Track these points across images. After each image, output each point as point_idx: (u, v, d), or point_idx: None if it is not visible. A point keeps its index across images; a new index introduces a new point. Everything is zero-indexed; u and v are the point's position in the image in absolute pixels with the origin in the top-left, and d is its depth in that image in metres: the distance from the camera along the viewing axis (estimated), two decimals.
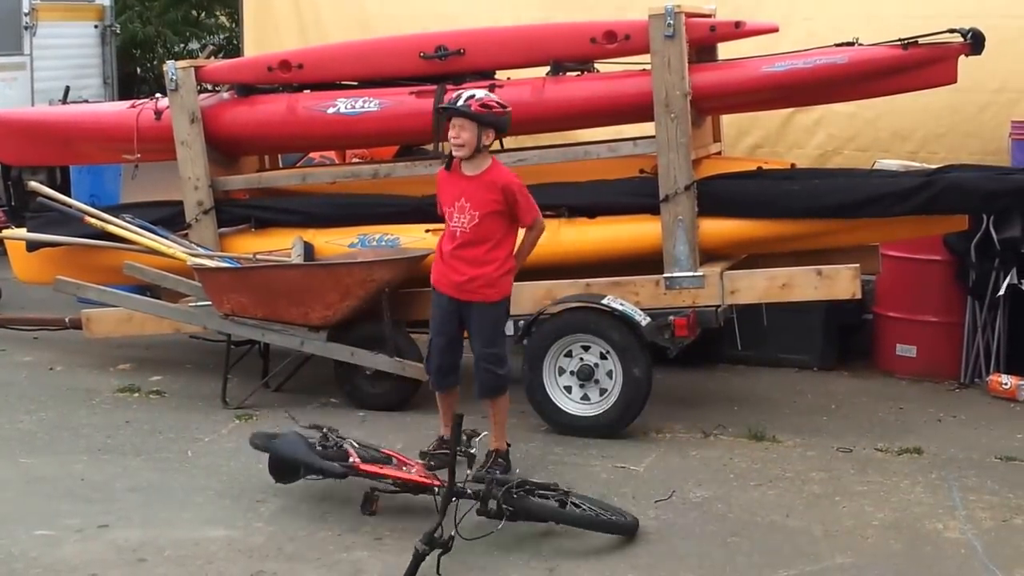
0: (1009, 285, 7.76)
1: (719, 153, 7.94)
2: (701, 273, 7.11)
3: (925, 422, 7.29)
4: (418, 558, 5.11)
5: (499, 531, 5.43)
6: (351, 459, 5.87)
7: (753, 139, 9.07)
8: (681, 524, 5.81)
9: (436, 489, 5.57)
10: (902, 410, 7.50)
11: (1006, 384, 7.67)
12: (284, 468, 5.92)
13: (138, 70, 16.20)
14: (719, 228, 7.19)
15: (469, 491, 5.52)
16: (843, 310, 8.12)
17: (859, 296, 7.00)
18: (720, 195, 7.17)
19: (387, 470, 5.87)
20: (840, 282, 6.95)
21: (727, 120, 8.61)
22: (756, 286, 7.09)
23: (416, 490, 5.73)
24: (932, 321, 8.04)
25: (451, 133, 6.24)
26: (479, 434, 5.90)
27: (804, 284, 7.01)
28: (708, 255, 7.27)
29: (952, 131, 8.60)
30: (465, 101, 6.20)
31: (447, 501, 5.35)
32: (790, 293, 7.05)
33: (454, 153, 6.29)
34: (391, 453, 6.05)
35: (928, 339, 8.08)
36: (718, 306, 7.10)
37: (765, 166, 7.56)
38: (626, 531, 5.64)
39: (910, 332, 8.11)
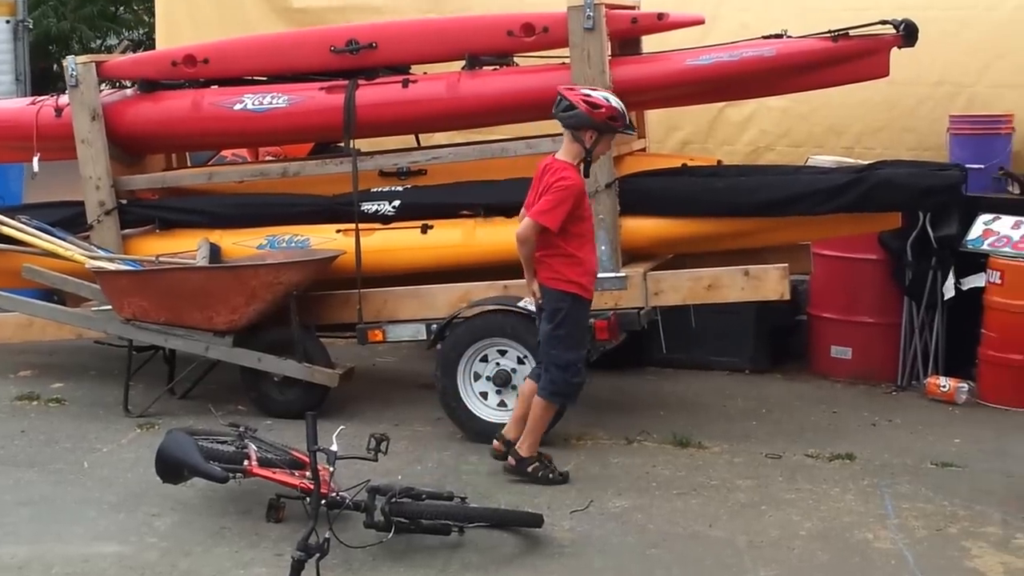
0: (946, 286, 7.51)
1: (643, 150, 7.64)
2: (623, 274, 6.79)
3: (859, 426, 6.98)
4: (296, 567, 4.78)
5: (406, 546, 5.17)
6: (248, 462, 5.54)
7: (682, 135, 8.78)
8: (598, 536, 5.47)
9: (313, 497, 5.22)
10: (836, 414, 7.19)
11: (944, 387, 7.39)
12: (168, 468, 5.61)
13: (54, 67, 15.69)
14: (642, 227, 6.88)
15: (348, 500, 5.22)
16: (776, 311, 7.82)
17: (787, 297, 6.69)
18: (643, 193, 6.85)
19: (278, 475, 5.51)
20: (768, 283, 6.65)
21: (656, 116, 8.34)
22: (681, 287, 6.78)
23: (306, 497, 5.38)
24: (868, 322, 7.75)
25: (610, 147, 6.22)
26: (387, 439, 5.51)
27: (731, 285, 6.70)
28: (631, 255, 6.96)
29: (889, 126, 8.34)
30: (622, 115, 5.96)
31: (317, 506, 5.08)
32: (716, 294, 6.74)
33: (595, 162, 6.10)
34: (300, 456, 5.66)
35: (864, 340, 7.79)
36: (641, 308, 6.77)
37: (690, 163, 7.25)
38: (532, 522, 5.38)
39: (845, 333, 7.81)
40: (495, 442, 6.23)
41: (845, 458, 6.40)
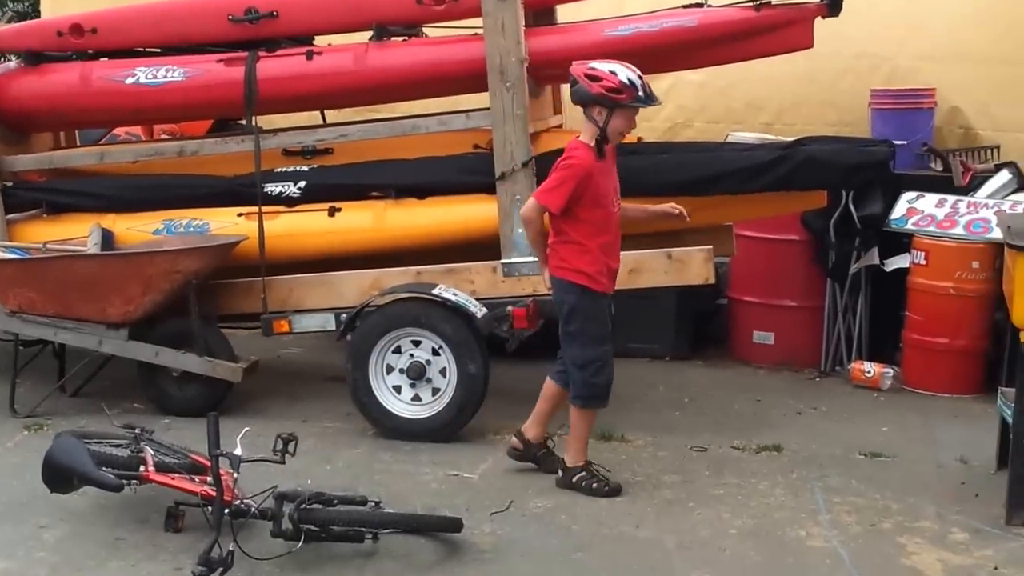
0: (868, 266, 7.31)
1: (560, 126, 7.32)
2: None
3: (784, 415, 6.77)
4: None
5: (316, 556, 4.85)
6: (144, 467, 5.17)
7: None
8: (520, 539, 5.18)
9: (215, 506, 4.87)
10: (760, 403, 6.97)
11: (869, 372, 7.21)
12: (56, 476, 5.18)
13: None
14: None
15: (254, 508, 4.89)
16: (697, 296, 7.57)
17: (712, 281, 6.43)
18: None
19: (177, 481, 5.15)
20: (692, 266, 6.39)
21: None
22: None
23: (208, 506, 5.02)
24: (790, 306, 7.55)
25: (630, 124, 5.59)
26: (295, 439, 5.16)
27: (653, 269, 6.44)
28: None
29: (809, 100, 8.12)
30: (648, 87, 5.47)
31: (219, 515, 4.76)
32: (638, 279, 6.46)
33: (615, 141, 5.60)
34: (202, 460, 5.29)
35: (786, 325, 7.58)
36: None
37: None
38: (450, 527, 5.09)
39: (767, 318, 7.60)
40: (513, 439, 5.90)
41: (772, 450, 6.18)
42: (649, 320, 7.63)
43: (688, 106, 8.34)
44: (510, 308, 6.33)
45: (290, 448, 5.11)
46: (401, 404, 6.36)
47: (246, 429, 5.23)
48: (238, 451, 4.97)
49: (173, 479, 5.19)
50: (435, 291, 6.29)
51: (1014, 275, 5.30)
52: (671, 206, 5.86)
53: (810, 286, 7.50)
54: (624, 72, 5.41)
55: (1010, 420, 5.43)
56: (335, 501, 4.99)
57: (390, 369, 6.36)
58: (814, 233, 7.44)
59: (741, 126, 8.08)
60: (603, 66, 5.45)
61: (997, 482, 5.63)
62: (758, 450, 6.18)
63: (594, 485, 5.60)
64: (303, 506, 4.88)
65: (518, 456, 5.88)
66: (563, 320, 5.59)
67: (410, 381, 6.33)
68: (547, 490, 5.67)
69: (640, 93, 5.42)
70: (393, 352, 6.35)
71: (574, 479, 5.62)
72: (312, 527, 4.88)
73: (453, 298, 6.25)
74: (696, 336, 7.90)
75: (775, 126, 8.11)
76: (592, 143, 5.49)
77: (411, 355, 6.33)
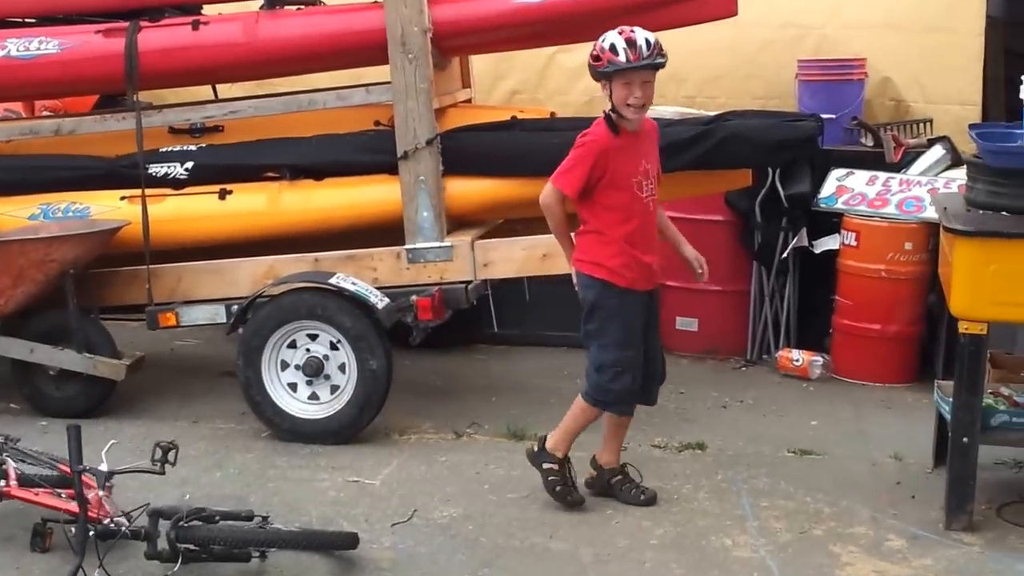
0: (797, 248, 6.93)
1: (469, 101, 6.84)
2: (449, 243, 6.04)
3: (709, 409, 6.37)
4: None
5: None
6: (6, 481, 4.71)
7: (511, 84, 8.03)
8: (423, 553, 4.75)
9: (78, 526, 4.41)
10: (683, 395, 6.55)
11: (797, 360, 6.83)
12: None
13: None
14: (468, 189, 6.12)
15: (125, 528, 4.43)
16: None
17: None
18: (468, 150, 6.09)
19: (41, 496, 4.67)
20: None
21: (481, 62, 7.55)
22: (513, 257, 6.05)
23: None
24: (714, 290, 7.09)
25: (633, 93, 4.88)
26: (176, 447, 4.67)
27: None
28: (457, 222, 6.20)
29: (732, 72, 7.71)
30: (652, 49, 4.85)
31: (83, 537, 4.35)
32: (554, 265, 6.00)
33: (630, 115, 4.93)
34: (66, 470, 4.78)
35: (710, 311, 7.17)
36: (469, 282, 6.04)
37: (521, 115, 6.48)
38: (345, 543, 4.64)
39: (690, 303, 7.16)
40: (589, 469, 5.30)
41: (696, 448, 5.79)
42: (567, 307, 7.08)
43: None
44: (414, 298, 5.87)
45: (170, 457, 4.66)
46: (297, 403, 5.88)
47: (112, 443, 4.76)
48: (103, 466, 4.50)
49: (37, 495, 4.72)
50: (332, 280, 5.81)
51: (952, 261, 4.93)
52: (696, 258, 5.32)
53: (735, 269, 7.10)
54: (610, 36, 4.89)
55: (948, 417, 5.08)
56: (217, 517, 4.53)
57: (285, 365, 5.88)
58: (739, 213, 7.05)
59: (662, 99, 7.52)
60: (601, 38, 4.94)
61: (934, 482, 5.28)
62: (681, 448, 5.78)
63: (557, 488, 5.10)
64: (181, 524, 4.42)
65: (592, 486, 5.26)
66: (583, 317, 5.08)
67: (307, 378, 5.86)
68: (453, 496, 5.24)
69: (620, 57, 4.82)
70: (288, 347, 5.87)
71: (544, 466, 5.14)
72: (191, 547, 4.43)
73: (352, 288, 5.78)
74: None
75: (697, 99, 7.69)
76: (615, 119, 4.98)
77: (307, 350, 5.86)
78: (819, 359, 6.80)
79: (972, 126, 5.57)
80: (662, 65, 4.93)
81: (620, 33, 4.89)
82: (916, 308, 6.70)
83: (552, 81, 8.01)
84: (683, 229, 7.02)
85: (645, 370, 5.13)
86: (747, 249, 7.06)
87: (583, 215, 5.02)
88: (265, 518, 4.57)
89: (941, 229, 5.11)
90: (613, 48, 4.86)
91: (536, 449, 5.19)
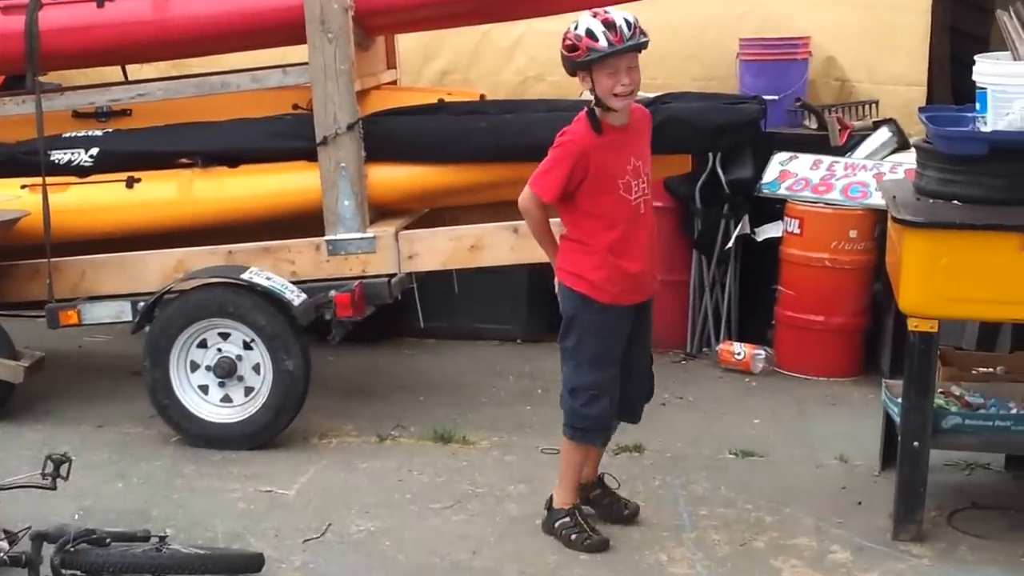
0: (739, 236, 6.64)
1: (394, 83, 6.50)
2: (371, 234, 5.70)
3: (647, 406, 6.02)
4: None
5: None
6: None
7: (441, 64, 7.66)
8: (335, 574, 4.41)
9: None
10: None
11: (739, 354, 6.54)
12: None
13: None
14: (392, 177, 5.78)
15: (3, 554, 4.08)
16: (552, 269, 6.80)
17: None
18: (392, 135, 5.74)
19: None
20: None
21: (409, 42, 7.19)
22: (439, 249, 5.72)
23: None
24: None
25: (620, 81, 4.40)
26: (69, 460, 4.30)
27: (498, 245, 5.69)
28: (380, 211, 5.85)
29: (672, 53, 7.33)
30: (634, 29, 4.38)
31: None
32: (481, 256, 5.71)
33: (618, 105, 4.45)
34: None
35: None
36: (393, 275, 5.70)
37: (448, 98, 6.15)
38: (249, 566, 4.29)
39: None
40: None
41: (633, 450, 5.48)
42: (498, 297, 6.88)
43: (540, 58, 7.52)
44: (333, 293, 5.52)
45: (63, 471, 4.29)
46: (209, 406, 5.53)
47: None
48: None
49: None
50: (245, 275, 5.45)
51: (901, 254, 4.64)
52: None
53: (674, 258, 6.77)
54: (584, 21, 4.40)
55: (896, 419, 4.81)
56: (108, 539, 4.16)
57: (195, 366, 5.52)
58: (678, 199, 6.74)
59: None
60: (573, 24, 4.45)
61: (882, 486, 5.01)
62: (617, 451, 5.46)
63: (573, 537, 4.58)
64: (67, 548, 4.04)
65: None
66: (560, 331, 4.63)
67: (218, 380, 5.50)
68: (372, 507, 4.90)
69: (601, 43, 4.32)
70: (198, 346, 5.52)
71: (556, 524, 4.64)
72: (78, 573, 4.06)
73: (266, 283, 5.42)
74: (552, 314, 7.11)
75: None
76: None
77: (219, 350, 5.50)
78: (761, 352, 6.51)
79: (922, 109, 5.31)
80: (646, 44, 4.46)
81: (595, 16, 4.38)
82: (861, 299, 6.43)
83: (484, 61, 7.65)
84: None
85: (632, 386, 4.72)
86: (687, 237, 6.76)
87: (565, 221, 4.57)
88: (163, 538, 4.19)
89: (889, 219, 4.82)
90: (591, 34, 4.34)
91: (546, 515, 4.71)
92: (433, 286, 6.56)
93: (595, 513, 4.76)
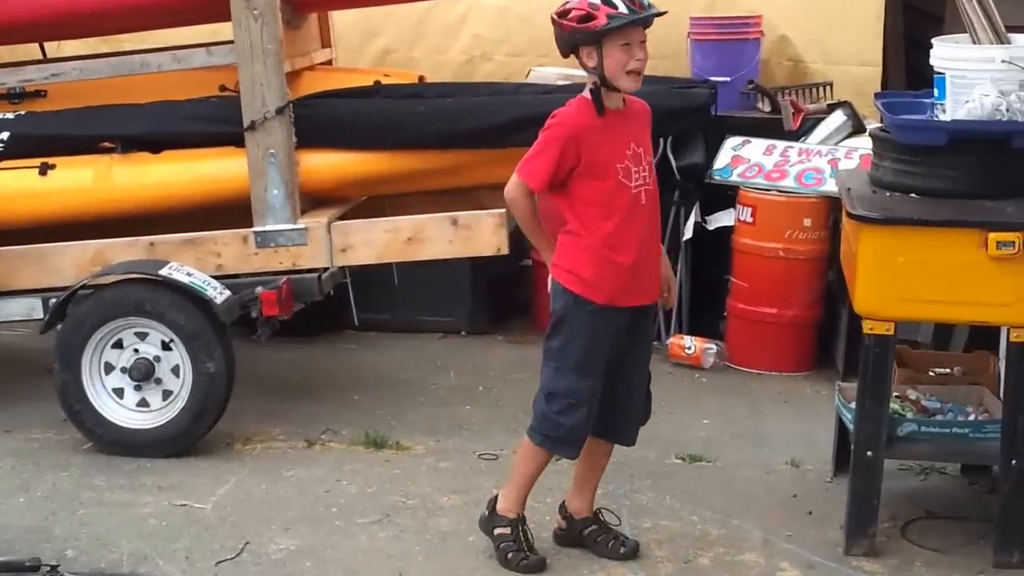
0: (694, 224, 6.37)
1: (329, 63, 6.17)
2: (302, 226, 5.38)
3: None
4: None
5: None
6: None
7: (383, 42, 7.33)
8: None
9: None
10: None
11: (690, 348, 6.27)
12: None
13: None
14: (325, 164, 5.47)
15: None
16: (497, 258, 6.41)
17: (506, 251, 5.40)
18: (325, 119, 5.43)
19: None
20: (481, 234, 5.36)
21: (349, 17, 6.88)
22: (375, 241, 5.41)
23: None
24: None
25: (635, 55, 4.08)
26: None
27: (436, 237, 5.38)
28: (313, 200, 5.54)
29: None
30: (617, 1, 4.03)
31: None
32: (419, 249, 5.40)
33: (630, 85, 4.13)
34: None
35: None
36: (325, 269, 5.40)
37: (385, 80, 5.85)
38: None
39: None
40: (557, 518, 4.50)
41: None
42: (441, 288, 6.56)
43: (487, 36, 7.24)
44: (259, 290, 5.21)
45: None
46: (124, 411, 5.21)
47: None
48: None
49: None
50: (163, 271, 5.13)
51: (856, 251, 4.38)
52: (665, 279, 4.38)
53: None
54: None
55: (849, 425, 4.56)
56: None
57: (110, 368, 5.21)
58: None
59: (547, 59, 6.96)
60: None
61: (834, 494, 4.76)
62: (557, 456, 5.17)
63: (510, 555, 4.26)
64: None
65: (561, 539, 4.48)
66: (548, 331, 4.24)
67: (135, 383, 5.19)
68: (295, 523, 4.60)
69: (621, 8, 4.00)
70: (113, 347, 5.20)
71: (495, 532, 4.33)
72: None
73: (186, 280, 5.10)
74: (497, 305, 6.86)
75: None
76: (589, 95, 4.14)
77: (135, 350, 5.19)
78: (712, 347, 6.25)
79: (878, 95, 5.02)
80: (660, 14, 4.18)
81: None
82: (815, 290, 6.17)
83: (429, 39, 7.33)
84: None
85: (628, 404, 4.35)
86: None
87: (559, 210, 4.19)
88: (54, 567, 3.89)
89: (844, 214, 4.56)
90: (604, 3, 4.01)
91: (487, 513, 4.38)
92: (373, 278, 6.26)
93: (562, 536, 4.47)
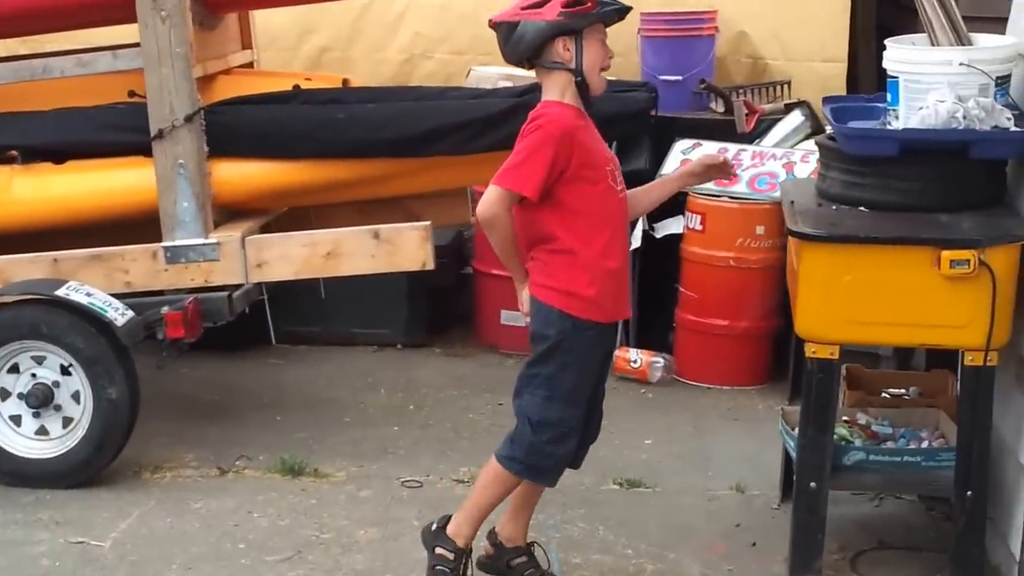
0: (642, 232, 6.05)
1: (251, 65, 5.82)
2: (214, 240, 5.04)
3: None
4: None
5: None
6: None
7: (320, 40, 6.99)
8: None
9: None
10: (502, 407, 5.60)
11: (635, 362, 5.95)
12: None
13: None
14: (239, 174, 5.13)
15: None
16: (435, 266, 6.13)
17: (431, 266, 5.06)
18: (239, 127, 5.09)
19: None
20: (406, 248, 5.02)
21: (285, 15, 6.55)
22: (292, 256, 5.06)
23: None
24: None
25: (604, 53, 3.82)
26: None
27: (357, 252, 5.04)
28: (229, 212, 5.20)
29: None
30: None
31: None
32: (339, 265, 5.06)
33: (599, 84, 3.83)
34: None
35: None
36: (235, 287, 5.06)
37: (306, 84, 5.49)
38: None
39: (516, 294, 6.24)
40: (485, 542, 4.15)
41: None
42: (375, 299, 6.22)
43: (427, 34, 6.90)
44: (165, 310, 4.86)
45: None
46: (22, 440, 4.86)
47: None
48: None
49: None
50: (60, 291, 4.78)
51: (798, 270, 4.06)
52: (716, 160, 4.09)
53: None
54: None
55: (792, 450, 4.25)
56: None
57: (6, 394, 4.87)
58: None
59: (489, 58, 6.63)
60: None
61: (780, 523, 4.45)
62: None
63: None
64: None
65: (487, 567, 4.14)
66: (534, 356, 3.88)
67: (32, 409, 4.84)
68: (199, 561, 4.28)
69: None
70: (8, 372, 4.86)
71: (436, 551, 3.97)
72: None
73: (84, 300, 4.76)
74: (436, 316, 6.53)
75: None
76: (565, 97, 3.76)
77: (33, 375, 4.85)
78: (659, 360, 5.93)
79: (826, 100, 4.71)
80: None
81: None
82: (769, 300, 5.85)
83: (367, 37, 6.98)
84: None
85: (587, 424, 4.03)
86: None
87: (545, 230, 3.78)
88: None
89: (787, 231, 4.23)
90: None
91: (434, 528, 4.04)
92: (302, 288, 5.90)
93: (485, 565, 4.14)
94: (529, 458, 3.89)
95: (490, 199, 3.76)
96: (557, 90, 3.78)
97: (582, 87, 3.77)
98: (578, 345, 3.82)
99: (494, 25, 3.84)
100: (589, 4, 3.70)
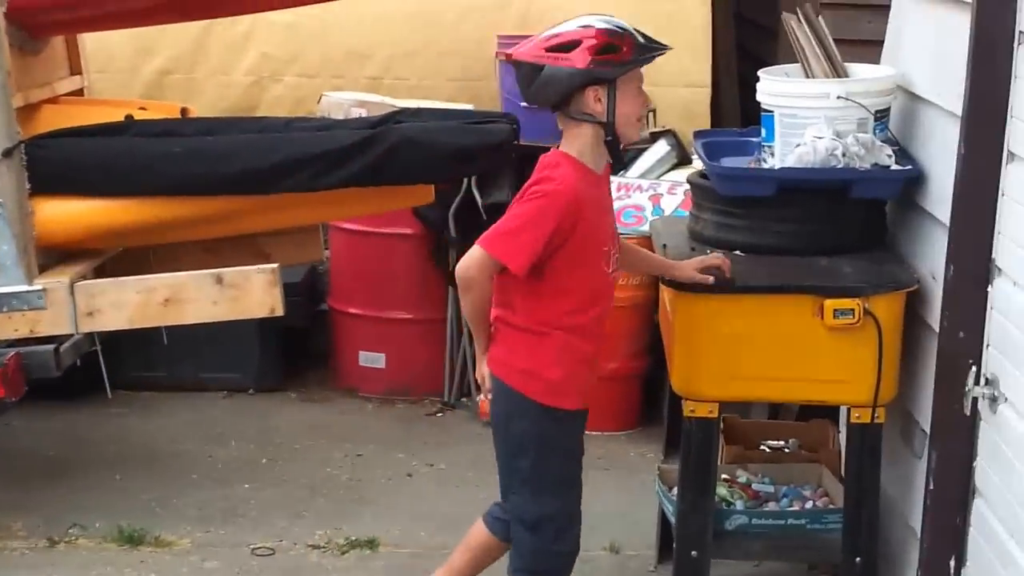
0: None
1: (81, 92, 5.37)
2: (39, 286, 4.57)
3: (391, 480, 5.09)
4: None
5: None
6: None
7: (160, 62, 6.51)
8: None
9: None
10: (360, 459, 5.28)
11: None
12: None
13: None
14: (66, 213, 4.61)
15: None
16: (288, 306, 5.70)
17: (280, 312, 4.65)
18: (64, 162, 4.58)
19: None
20: (252, 293, 4.58)
21: (125, 34, 6.08)
22: (125, 303, 4.59)
23: None
24: (403, 318, 5.87)
25: (640, 101, 3.47)
26: None
27: (198, 298, 4.59)
28: (57, 255, 4.75)
29: (426, 48, 6.39)
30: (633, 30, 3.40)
31: None
32: (179, 313, 4.61)
33: (633, 138, 3.56)
34: None
35: (400, 344, 5.87)
36: (65, 338, 4.62)
37: (141, 113, 5.05)
38: None
39: (376, 334, 5.88)
40: None
41: (365, 546, 4.52)
42: (224, 341, 5.78)
43: (275, 55, 6.47)
44: None
45: None
46: None
47: None
48: None
49: None
50: None
51: (673, 323, 3.81)
52: (719, 262, 3.69)
53: (427, 294, 5.85)
54: (597, 19, 3.39)
55: (671, 515, 3.98)
56: None
57: None
58: (430, 226, 5.79)
59: (342, 80, 6.34)
60: (564, 27, 3.41)
61: None
62: (345, 547, 4.51)
63: None
64: None
65: None
66: (508, 449, 3.53)
67: None
68: None
69: (639, 37, 3.40)
70: None
71: None
72: None
73: None
74: (290, 358, 6.13)
75: (384, 81, 6.35)
76: (584, 156, 3.42)
77: None
78: None
79: (698, 135, 4.48)
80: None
81: (600, 14, 3.44)
82: (639, 340, 5.59)
83: (211, 59, 6.51)
84: (363, 245, 5.96)
85: None
86: (440, 269, 5.81)
87: (514, 299, 3.45)
88: None
89: (660, 280, 3.97)
90: (624, 29, 3.38)
91: None
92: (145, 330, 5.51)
93: None
94: (537, 564, 3.57)
95: (471, 261, 3.39)
96: (577, 145, 3.44)
97: (612, 145, 3.43)
98: (547, 432, 3.48)
99: (514, 62, 3.50)
100: (625, 50, 3.36)
